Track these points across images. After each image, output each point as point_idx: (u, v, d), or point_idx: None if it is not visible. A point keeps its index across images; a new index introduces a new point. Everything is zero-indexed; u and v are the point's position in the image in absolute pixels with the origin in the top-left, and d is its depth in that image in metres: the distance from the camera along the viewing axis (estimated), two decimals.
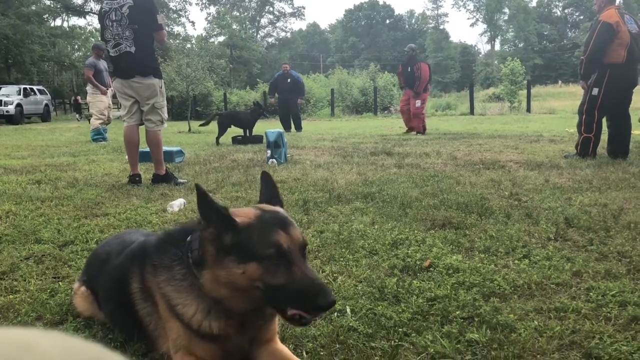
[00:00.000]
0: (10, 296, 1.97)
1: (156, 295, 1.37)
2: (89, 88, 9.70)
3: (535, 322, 1.66)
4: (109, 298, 1.60)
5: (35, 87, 25.03)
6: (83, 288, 1.77)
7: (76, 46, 44.55)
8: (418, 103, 8.99)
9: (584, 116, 5.78)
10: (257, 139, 8.97)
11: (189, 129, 13.37)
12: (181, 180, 4.58)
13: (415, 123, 9.52)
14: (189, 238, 1.33)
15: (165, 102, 4.68)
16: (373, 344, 1.56)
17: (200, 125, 10.86)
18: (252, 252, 1.17)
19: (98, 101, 9.59)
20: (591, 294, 1.87)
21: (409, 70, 9.43)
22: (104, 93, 9.53)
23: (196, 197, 1.23)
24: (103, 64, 9.69)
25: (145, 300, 1.41)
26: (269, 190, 1.43)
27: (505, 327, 1.63)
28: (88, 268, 1.82)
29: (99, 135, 9.64)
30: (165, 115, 4.65)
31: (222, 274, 1.20)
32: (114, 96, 7.88)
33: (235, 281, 1.19)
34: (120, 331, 1.62)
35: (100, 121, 9.65)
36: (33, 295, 1.96)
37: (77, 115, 25.21)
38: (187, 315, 1.29)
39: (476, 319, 1.69)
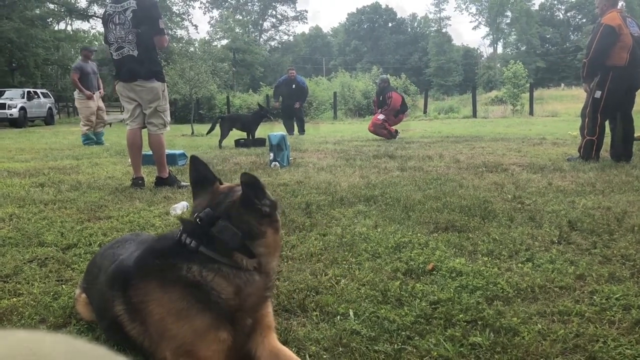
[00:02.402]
0: (14, 299, 1.97)
1: (151, 304, 1.35)
2: (76, 93, 9.55)
3: (539, 326, 1.65)
4: (100, 315, 1.60)
5: (39, 91, 25.12)
6: (84, 295, 1.77)
7: (80, 50, 44.65)
8: (381, 117, 10.23)
9: (586, 119, 5.77)
10: (260, 142, 8.98)
11: (192, 132, 13.40)
12: (184, 184, 4.59)
13: (374, 129, 10.34)
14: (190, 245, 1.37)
15: (168, 106, 4.69)
16: (376, 347, 1.56)
17: (207, 133, 10.83)
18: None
19: (84, 107, 9.45)
20: (595, 297, 1.86)
21: (381, 99, 10.67)
22: (89, 98, 9.36)
23: (253, 187, 1.35)
24: (91, 67, 9.54)
25: (133, 320, 1.39)
26: (204, 172, 1.49)
27: (509, 330, 1.63)
28: (87, 276, 1.81)
29: (89, 140, 9.53)
30: (168, 119, 4.67)
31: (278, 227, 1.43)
32: (105, 98, 7.79)
33: (280, 228, 1.44)
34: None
35: (87, 127, 9.52)
36: (36, 298, 1.96)
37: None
38: (225, 295, 1.32)
39: (479, 323, 1.69)
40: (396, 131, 10.37)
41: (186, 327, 1.30)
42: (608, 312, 1.73)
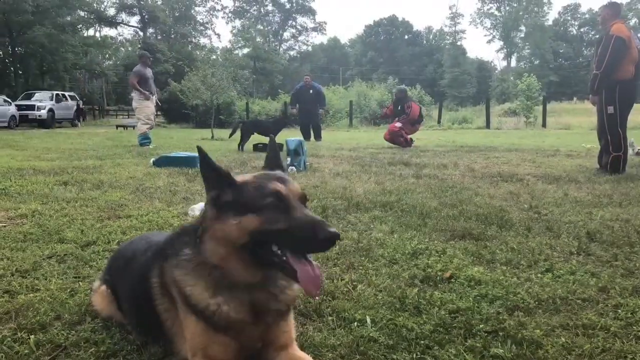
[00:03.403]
0: (31, 295, 1.98)
1: (172, 288, 1.36)
2: (134, 94, 10.06)
3: (563, 339, 1.60)
4: (130, 294, 1.58)
5: (67, 94, 25.98)
6: (103, 287, 1.77)
7: (107, 55, 45.84)
8: (398, 124, 10.30)
9: (609, 136, 5.76)
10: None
11: (212, 136, 13.59)
12: None
13: (391, 137, 10.40)
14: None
15: None
16: (394, 356, 1.52)
17: (230, 135, 10.87)
18: (250, 204, 1.21)
19: (145, 107, 9.98)
20: (619, 311, 1.81)
21: (400, 108, 10.67)
22: (148, 99, 9.90)
23: (199, 159, 1.28)
24: (149, 72, 10.10)
25: (163, 295, 1.40)
26: (273, 157, 1.43)
27: (531, 342, 1.58)
28: (112, 267, 1.80)
29: (146, 140, 9.94)
30: None
31: (218, 228, 1.23)
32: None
33: (230, 233, 1.21)
34: (138, 331, 1.61)
35: (148, 126, 10.04)
36: (53, 295, 1.97)
37: None
38: (196, 296, 1.29)
39: (500, 334, 1.64)
40: (411, 140, 10.37)
41: (194, 320, 1.31)
42: (635, 327, 1.67)
